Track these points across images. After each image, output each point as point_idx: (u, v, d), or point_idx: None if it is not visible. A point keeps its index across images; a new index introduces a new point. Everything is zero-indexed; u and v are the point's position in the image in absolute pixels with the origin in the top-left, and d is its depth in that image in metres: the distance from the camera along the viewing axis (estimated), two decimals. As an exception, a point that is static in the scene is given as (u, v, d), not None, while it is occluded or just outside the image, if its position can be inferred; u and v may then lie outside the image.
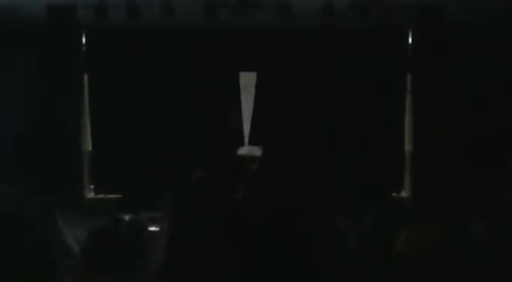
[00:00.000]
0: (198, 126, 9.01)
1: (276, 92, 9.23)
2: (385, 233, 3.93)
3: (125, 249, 3.09)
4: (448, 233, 4.03)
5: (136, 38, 8.72)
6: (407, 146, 9.21)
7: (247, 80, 10.62)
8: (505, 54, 8.68)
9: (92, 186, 9.26)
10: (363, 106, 8.97)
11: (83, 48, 8.95)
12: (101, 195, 9.08)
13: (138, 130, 8.95)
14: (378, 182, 9.00)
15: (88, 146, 9.18)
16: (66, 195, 8.52)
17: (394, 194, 9.10)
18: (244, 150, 8.73)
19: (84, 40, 8.94)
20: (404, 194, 9.15)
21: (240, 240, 2.87)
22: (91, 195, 9.18)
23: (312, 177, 8.90)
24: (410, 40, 8.96)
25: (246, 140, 9.27)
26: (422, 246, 3.94)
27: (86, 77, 9.09)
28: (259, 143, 9.08)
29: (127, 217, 3.83)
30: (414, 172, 8.97)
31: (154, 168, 8.73)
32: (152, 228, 3.67)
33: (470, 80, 8.74)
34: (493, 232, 3.63)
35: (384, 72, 8.92)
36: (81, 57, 8.92)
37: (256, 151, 8.77)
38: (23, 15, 8.04)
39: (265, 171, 8.78)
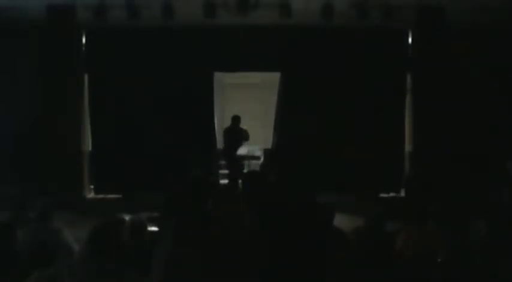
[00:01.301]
0: (196, 126, 9.07)
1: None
2: (385, 233, 3.93)
3: (124, 249, 3.09)
4: (448, 233, 4.03)
5: (137, 38, 8.72)
6: (408, 146, 9.21)
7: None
8: (505, 54, 8.68)
9: (92, 186, 9.27)
10: (363, 106, 8.97)
11: (83, 48, 8.96)
12: (101, 195, 9.08)
13: (137, 130, 8.97)
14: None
15: (88, 146, 9.18)
16: (66, 195, 8.55)
17: (394, 194, 9.17)
18: (244, 150, 8.75)
19: (84, 40, 8.95)
20: (404, 194, 9.15)
21: (239, 242, 2.87)
22: (91, 195, 9.19)
23: (312, 176, 8.91)
24: (410, 40, 8.97)
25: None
26: (422, 246, 3.93)
27: (86, 77, 9.10)
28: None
29: (127, 217, 3.83)
30: (414, 172, 8.97)
31: (153, 168, 8.75)
32: (152, 228, 3.68)
33: (470, 80, 8.74)
34: (493, 232, 3.63)
35: (384, 72, 8.93)
36: (81, 57, 8.93)
37: (256, 151, 8.80)
38: (23, 15, 8.04)
39: (268, 169, 8.78)
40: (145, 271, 2.90)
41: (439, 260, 3.50)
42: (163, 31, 8.67)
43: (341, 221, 4.63)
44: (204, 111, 9.08)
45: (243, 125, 9.38)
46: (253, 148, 8.89)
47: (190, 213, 3.20)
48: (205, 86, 9.13)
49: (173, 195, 3.82)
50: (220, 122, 10.89)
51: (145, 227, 3.22)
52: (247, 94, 10.95)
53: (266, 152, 9.28)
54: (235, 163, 8.88)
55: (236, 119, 9.09)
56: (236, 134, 9.03)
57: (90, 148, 9.17)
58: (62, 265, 2.65)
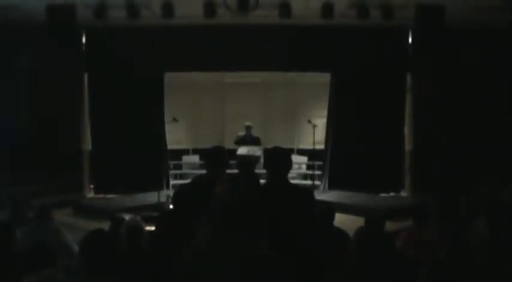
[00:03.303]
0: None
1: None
2: (385, 233, 3.92)
3: (123, 249, 3.09)
4: (448, 233, 4.02)
5: (137, 38, 8.71)
6: (408, 146, 9.21)
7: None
8: (505, 53, 8.68)
9: (92, 186, 9.28)
10: (362, 105, 8.97)
11: (83, 48, 8.96)
12: (101, 195, 9.08)
13: (137, 129, 8.98)
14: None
15: (88, 145, 9.18)
16: (66, 195, 8.55)
17: (394, 194, 9.17)
18: (244, 150, 8.74)
19: (84, 40, 8.95)
20: (404, 194, 9.15)
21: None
22: (91, 195, 9.18)
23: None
24: (410, 40, 8.96)
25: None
26: (422, 246, 3.93)
27: (86, 77, 9.10)
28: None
29: (126, 217, 3.83)
30: (414, 172, 8.98)
31: (153, 167, 8.78)
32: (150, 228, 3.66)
33: (470, 80, 8.74)
34: (493, 232, 3.62)
35: (384, 72, 8.92)
36: (81, 57, 8.93)
37: (257, 151, 8.79)
38: (23, 15, 8.03)
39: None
40: (143, 272, 2.90)
41: (439, 260, 3.49)
42: (163, 31, 8.65)
43: (341, 221, 4.64)
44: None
45: (242, 124, 9.40)
46: (254, 148, 8.88)
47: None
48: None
49: (180, 192, 3.80)
50: (220, 122, 10.90)
51: (142, 228, 3.21)
52: (247, 94, 10.93)
53: (266, 152, 9.28)
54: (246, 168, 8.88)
55: (247, 128, 9.21)
56: (248, 142, 9.12)
57: (90, 148, 9.18)
58: (61, 265, 2.65)
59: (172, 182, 9.40)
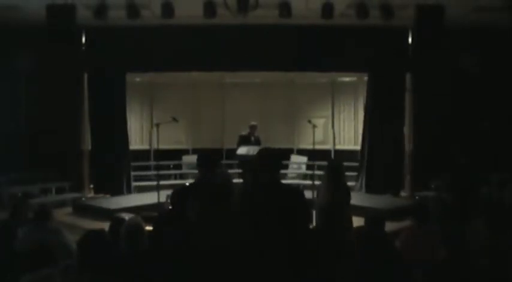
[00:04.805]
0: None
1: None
2: (385, 233, 3.93)
3: (123, 248, 3.09)
4: (448, 233, 4.02)
5: (136, 38, 8.71)
6: (408, 146, 9.20)
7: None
8: (505, 53, 8.68)
9: (92, 186, 9.28)
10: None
11: (83, 48, 8.96)
12: (101, 195, 9.08)
13: (117, 130, 8.99)
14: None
15: (88, 145, 9.19)
16: (66, 195, 8.56)
17: (393, 194, 9.17)
18: (244, 150, 8.73)
19: (84, 40, 8.95)
20: (404, 193, 9.15)
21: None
22: (91, 194, 9.19)
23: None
24: (410, 40, 8.96)
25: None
26: (422, 246, 3.93)
27: (86, 77, 9.10)
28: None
29: (126, 217, 3.83)
30: (414, 172, 8.98)
31: (116, 169, 8.83)
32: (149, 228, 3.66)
33: (470, 80, 8.74)
34: (493, 232, 3.63)
35: (384, 72, 8.92)
36: (81, 57, 8.93)
37: (256, 150, 8.79)
38: (23, 15, 8.04)
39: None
40: (143, 272, 2.90)
41: (439, 260, 3.50)
42: (163, 31, 8.65)
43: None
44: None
45: (242, 124, 9.41)
46: (253, 148, 8.89)
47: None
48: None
49: (174, 193, 3.81)
50: (221, 122, 10.90)
51: (142, 228, 3.21)
52: (247, 94, 10.94)
53: (257, 154, 9.26)
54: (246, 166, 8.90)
55: (252, 127, 9.21)
56: (250, 141, 9.11)
57: (90, 148, 9.19)
58: (61, 265, 2.65)
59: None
